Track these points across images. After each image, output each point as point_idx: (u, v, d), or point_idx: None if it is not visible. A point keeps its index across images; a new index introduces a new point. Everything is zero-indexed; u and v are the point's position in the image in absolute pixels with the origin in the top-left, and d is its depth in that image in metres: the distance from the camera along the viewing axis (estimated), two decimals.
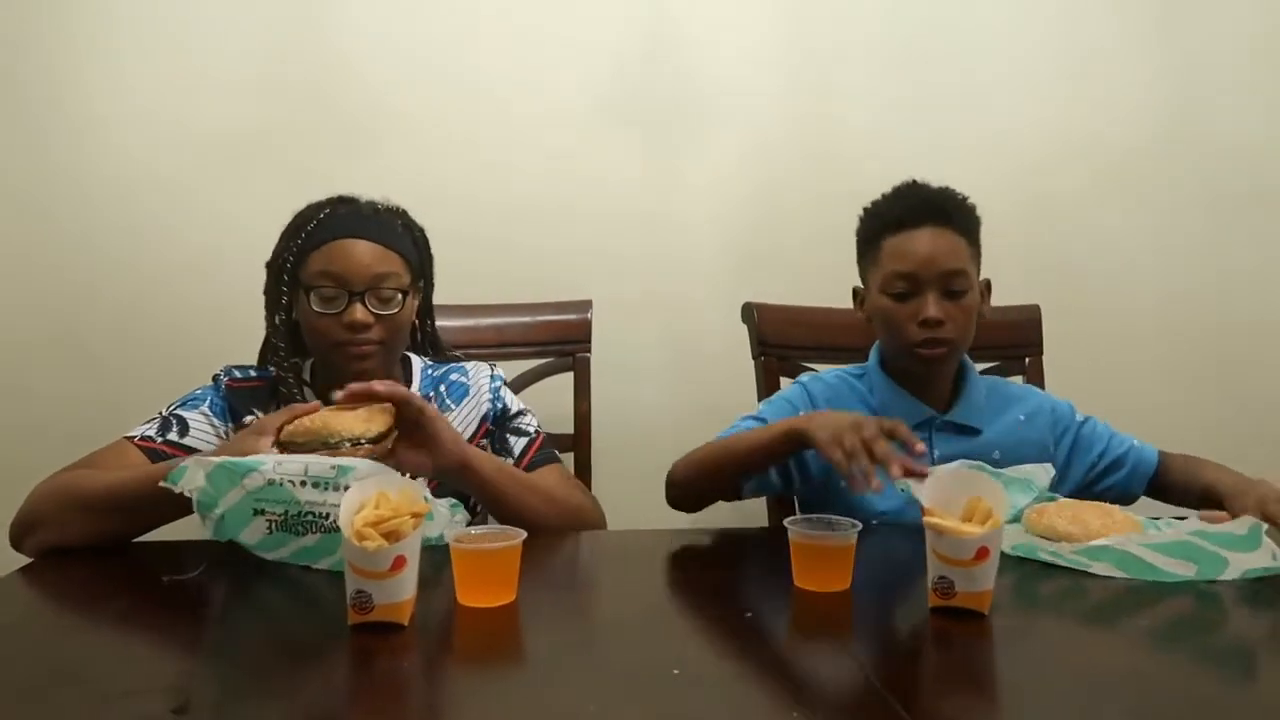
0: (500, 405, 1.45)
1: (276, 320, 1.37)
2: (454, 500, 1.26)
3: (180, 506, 1.10)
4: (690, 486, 1.41)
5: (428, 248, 1.44)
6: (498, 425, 1.44)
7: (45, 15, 1.94)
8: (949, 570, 0.93)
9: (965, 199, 1.44)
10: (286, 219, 1.37)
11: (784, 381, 1.75)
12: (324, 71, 2.00)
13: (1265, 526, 1.08)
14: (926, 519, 0.96)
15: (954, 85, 2.15)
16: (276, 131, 1.99)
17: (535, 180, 2.06)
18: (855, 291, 1.53)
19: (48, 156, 1.95)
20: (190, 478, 1.04)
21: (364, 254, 1.31)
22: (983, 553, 0.92)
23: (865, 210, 1.50)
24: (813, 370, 1.76)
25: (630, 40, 2.08)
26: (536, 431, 1.45)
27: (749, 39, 2.10)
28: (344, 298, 1.30)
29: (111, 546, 1.17)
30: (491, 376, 1.48)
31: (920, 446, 1.14)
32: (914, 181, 1.47)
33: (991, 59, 2.15)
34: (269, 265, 1.38)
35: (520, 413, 1.47)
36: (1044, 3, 2.16)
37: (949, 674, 0.84)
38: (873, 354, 1.53)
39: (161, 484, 1.05)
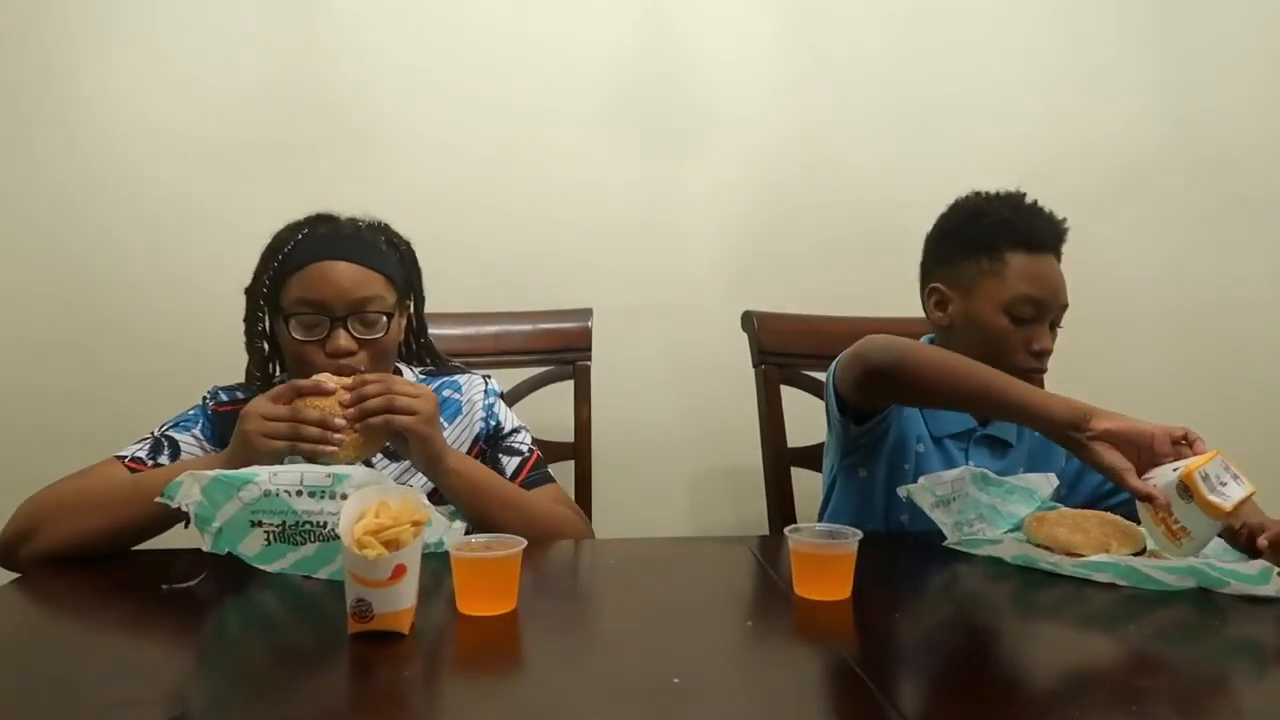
0: (494, 423, 1.41)
1: (257, 347, 1.34)
2: (454, 507, 1.26)
3: (173, 518, 1.10)
4: (905, 384, 1.28)
5: (415, 262, 1.40)
6: (490, 444, 1.40)
7: (45, 25, 1.94)
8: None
9: None
10: None
11: (785, 390, 1.75)
12: (324, 81, 2.01)
13: (1277, 571, 1.05)
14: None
15: (956, 93, 2.15)
16: (277, 140, 1.99)
17: (535, 189, 2.06)
18: (933, 290, 1.46)
19: (50, 165, 1.95)
20: (186, 492, 1.04)
21: (344, 277, 1.26)
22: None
23: (968, 210, 1.44)
24: (811, 376, 1.76)
25: (631, 50, 2.08)
26: (530, 450, 1.41)
27: (749, 48, 2.11)
28: (325, 324, 1.25)
29: (108, 555, 1.16)
30: (486, 391, 1.44)
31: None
32: (1025, 195, 1.42)
33: (994, 66, 2.16)
34: (247, 291, 1.33)
35: (514, 430, 1.42)
36: (1047, 9, 2.17)
37: (951, 683, 0.84)
38: None
39: (157, 500, 1.05)
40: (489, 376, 1.48)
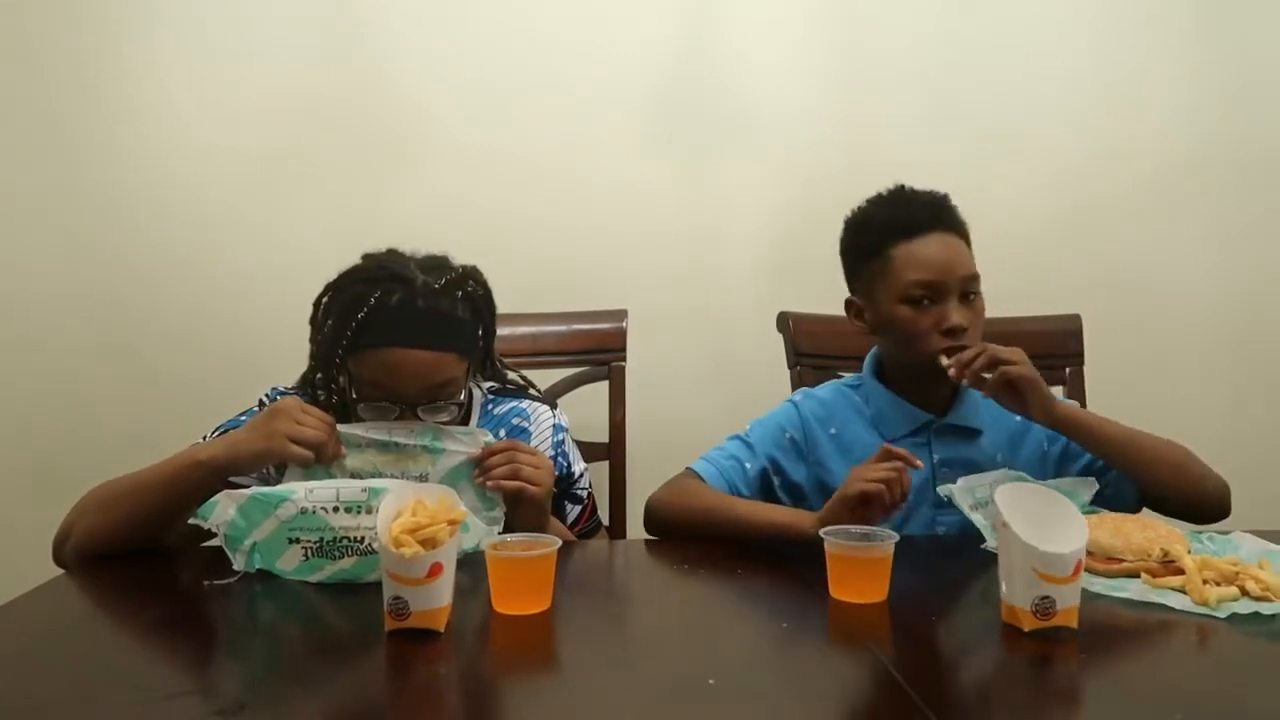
0: (565, 466, 1.40)
1: (322, 383, 1.27)
2: (493, 510, 1.24)
3: (204, 495, 1.10)
4: (676, 530, 1.37)
5: (489, 306, 1.31)
6: (557, 486, 1.35)
7: (89, 36, 1.98)
8: (1051, 589, 0.89)
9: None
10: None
11: None
12: (364, 90, 2.02)
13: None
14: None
15: (994, 93, 2.12)
16: (317, 149, 2.01)
17: (572, 190, 2.06)
18: (850, 304, 1.50)
19: (95, 174, 1.99)
20: (221, 512, 1.06)
21: (419, 367, 1.19)
22: (1078, 566, 0.91)
23: (854, 221, 1.48)
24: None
25: (668, 50, 2.08)
26: (588, 495, 1.43)
27: (786, 47, 2.10)
28: (396, 410, 1.22)
29: (150, 549, 1.17)
30: (555, 427, 1.41)
31: (918, 462, 1.20)
32: (903, 187, 1.45)
33: (1033, 66, 2.13)
34: (316, 356, 1.26)
35: (580, 475, 1.43)
36: (1085, 10, 2.14)
37: (988, 687, 0.83)
38: (868, 363, 1.52)
39: (191, 521, 1.07)
40: (555, 406, 1.46)
